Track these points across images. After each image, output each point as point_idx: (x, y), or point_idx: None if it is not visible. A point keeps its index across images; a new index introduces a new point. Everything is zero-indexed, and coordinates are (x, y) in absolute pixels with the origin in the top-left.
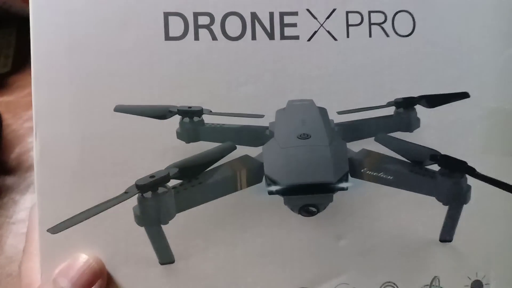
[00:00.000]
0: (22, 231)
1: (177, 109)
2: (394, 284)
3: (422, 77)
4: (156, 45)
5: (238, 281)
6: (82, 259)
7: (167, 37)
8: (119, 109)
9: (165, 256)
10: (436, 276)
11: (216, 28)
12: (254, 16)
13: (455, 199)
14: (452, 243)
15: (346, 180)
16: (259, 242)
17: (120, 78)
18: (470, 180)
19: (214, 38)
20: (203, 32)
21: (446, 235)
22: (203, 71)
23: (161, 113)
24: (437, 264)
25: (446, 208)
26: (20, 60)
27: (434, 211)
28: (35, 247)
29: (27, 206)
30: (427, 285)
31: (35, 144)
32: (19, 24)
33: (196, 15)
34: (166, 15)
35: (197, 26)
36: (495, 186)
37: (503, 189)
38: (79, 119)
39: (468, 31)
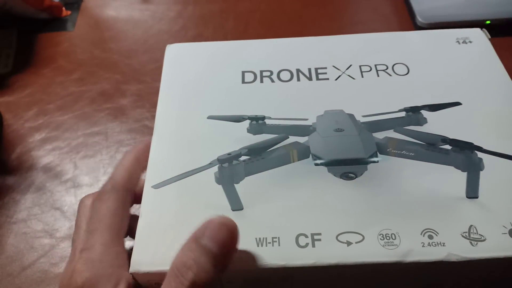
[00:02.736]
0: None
1: (248, 117)
2: (434, 230)
3: (418, 97)
4: (236, 86)
5: (293, 223)
6: (218, 218)
7: (243, 82)
8: (211, 117)
9: (236, 205)
10: (472, 225)
11: (274, 76)
12: (298, 70)
13: (471, 168)
14: (479, 199)
15: (376, 156)
16: (309, 197)
17: (214, 101)
18: None
19: (272, 81)
20: (266, 79)
21: (471, 193)
22: (265, 98)
23: (238, 119)
24: (470, 215)
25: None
26: (21, 60)
27: (457, 175)
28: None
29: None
30: (466, 232)
31: (153, 136)
32: (20, 25)
33: (261, 71)
34: (243, 72)
35: (262, 76)
36: (503, 158)
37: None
38: (187, 122)
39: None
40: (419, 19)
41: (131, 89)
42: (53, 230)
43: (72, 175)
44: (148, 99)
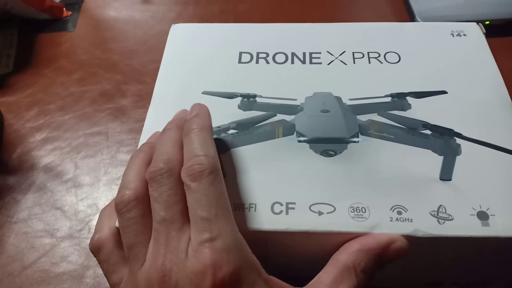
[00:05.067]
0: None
1: (240, 94)
2: (403, 207)
3: (406, 84)
4: (233, 65)
5: (270, 192)
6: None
7: (239, 62)
8: (205, 92)
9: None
10: (441, 205)
11: (269, 58)
12: (293, 53)
13: (448, 152)
14: (452, 182)
15: (357, 137)
16: (288, 170)
17: (210, 78)
18: None
19: (267, 62)
20: (261, 60)
21: (445, 175)
22: (259, 78)
23: (230, 96)
24: (441, 196)
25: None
26: (22, 61)
27: (433, 158)
28: None
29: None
30: (435, 210)
31: (150, 107)
32: (20, 25)
33: (258, 53)
34: (240, 53)
35: (258, 57)
36: (482, 145)
37: (490, 147)
38: (183, 96)
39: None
40: (418, 19)
41: (132, 90)
42: (54, 229)
43: (72, 175)
44: (148, 99)
